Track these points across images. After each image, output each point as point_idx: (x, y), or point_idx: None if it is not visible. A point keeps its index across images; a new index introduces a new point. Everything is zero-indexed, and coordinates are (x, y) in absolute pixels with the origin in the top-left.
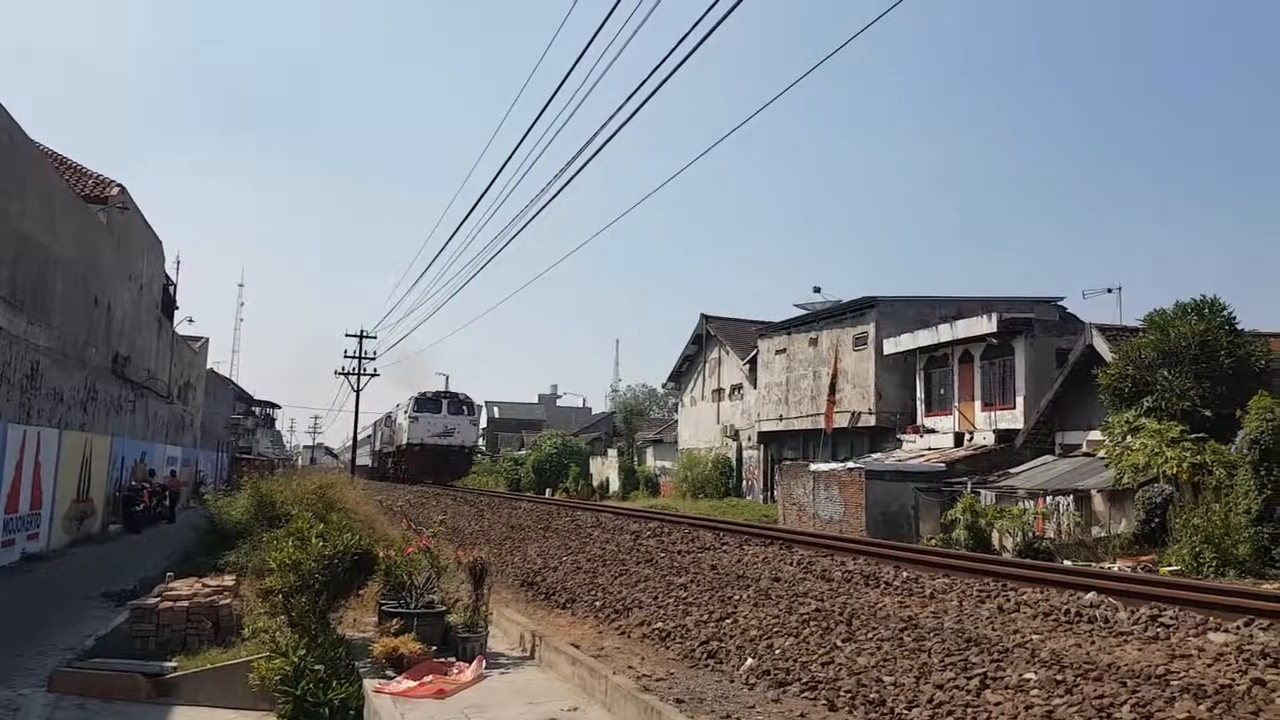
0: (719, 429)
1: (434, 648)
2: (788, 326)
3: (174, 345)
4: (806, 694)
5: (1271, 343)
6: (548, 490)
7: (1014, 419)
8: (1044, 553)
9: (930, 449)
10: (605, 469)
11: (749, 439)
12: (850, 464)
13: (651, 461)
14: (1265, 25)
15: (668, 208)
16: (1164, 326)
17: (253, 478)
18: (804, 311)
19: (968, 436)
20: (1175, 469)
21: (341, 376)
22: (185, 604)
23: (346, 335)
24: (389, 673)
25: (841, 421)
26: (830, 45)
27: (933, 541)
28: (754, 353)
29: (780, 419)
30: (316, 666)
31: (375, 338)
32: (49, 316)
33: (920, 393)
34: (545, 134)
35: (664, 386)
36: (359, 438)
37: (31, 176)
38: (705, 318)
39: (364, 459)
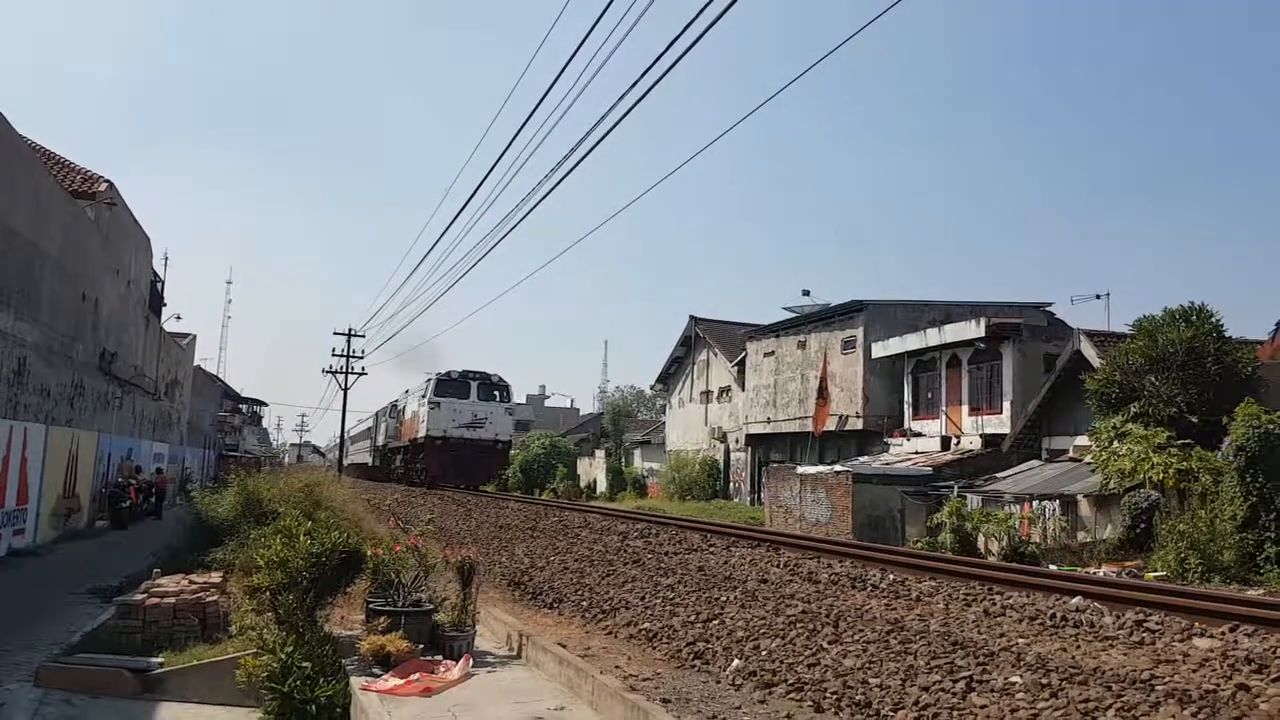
0: (707, 431)
1: (421, 646)
2: (776, 329)
3: (161, 342)
4: (793, 695)
5: (1258, 349)
6: (535, 490)
7: (1001, 424)
8: (1029, 557)
9: (917, 453)
10: (593, 470)
11: (736, 441)
12: (837, 467)
13: (639, 463)
14: (1259, 32)
15: (658, 210)
16: (1152, 333)
17: (240, 475)
18: (793, 315)
19: (955, 440)
20: (1161, 475)
21: (329, 374)
22: (172, 601)
23: (335, 334)
24: (376, 670)
25: (829, 424)
26: (823, 48)
27: (919, 545)
28: (742, 355)
29: (768, 421)
30: (303, 664)
31: (364, 336)
32: (36, 312)
33: (908, 396)
34: (537, 134)
35: (652, 388)
36: (355, 432)
37: (18, 171)
38: (694, 320)
39: (362, 455)
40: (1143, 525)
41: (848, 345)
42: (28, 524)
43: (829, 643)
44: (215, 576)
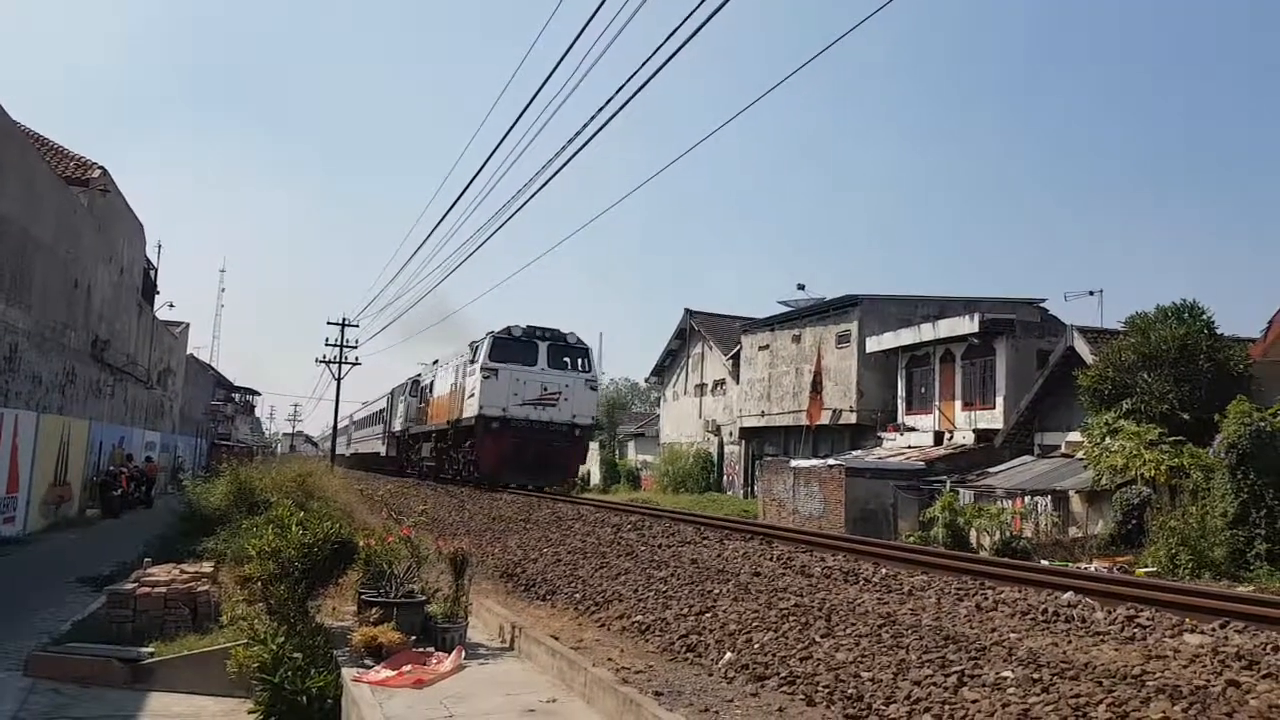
0: (701, 424)
1: (413, 637)
2: (771, 323)
3: (154, 330)
4: (785, 688)
5: (1250, 347)
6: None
7: (994, 419)
8: (1021, 552)
9: (910, 447)
10: (587, 462)
11: (730, 434)
12: (830, 461)
13: (633, 455)
14: (1256, 32)
15: (654, 202)
16: (1145, 330)
17: (232, 464)
18: (788, 308)
19: (948, 435)
20: (1153, 471)
21: (322, 364)
22: (163, 590)
23: (329, 324)
24: (367, 662)
25: (823, 418)
26: (819, 44)
27: (911, 539)
28: (737, 349)
29: (762, 415)
30: (295, 654)
31: (358, 325)
32: (28, 298)
33: (901, 391)
34: (532, 128)
35: (647, 381)
36: (360, 417)
37: (11, 156)
38: (689, 313)
39: (370, 444)
40: (1134, 521)
41: (842, 339)
42: (18, 512)
43: (821, 636)
44: (207, 566)
